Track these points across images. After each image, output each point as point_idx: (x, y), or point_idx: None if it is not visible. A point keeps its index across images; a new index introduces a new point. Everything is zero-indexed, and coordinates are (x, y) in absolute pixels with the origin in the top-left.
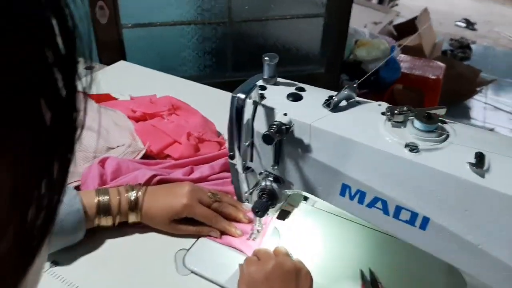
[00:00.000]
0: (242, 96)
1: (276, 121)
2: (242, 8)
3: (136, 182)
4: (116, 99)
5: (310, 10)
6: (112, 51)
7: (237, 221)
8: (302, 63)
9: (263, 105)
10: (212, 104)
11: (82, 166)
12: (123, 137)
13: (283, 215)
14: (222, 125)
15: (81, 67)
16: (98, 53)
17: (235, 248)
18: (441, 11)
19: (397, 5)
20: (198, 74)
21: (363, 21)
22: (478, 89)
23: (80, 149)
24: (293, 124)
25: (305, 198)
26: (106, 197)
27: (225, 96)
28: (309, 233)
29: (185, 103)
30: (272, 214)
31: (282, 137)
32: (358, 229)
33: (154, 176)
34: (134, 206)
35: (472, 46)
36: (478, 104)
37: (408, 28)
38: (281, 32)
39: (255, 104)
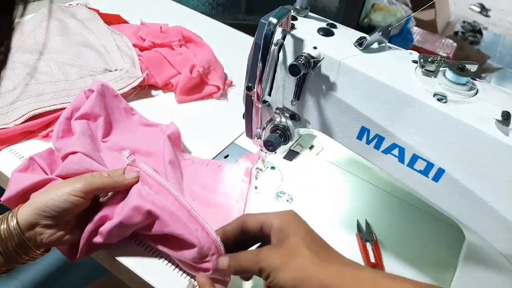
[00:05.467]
0: (274, 21)
1: (304, 53)
2: None
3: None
4: (126, 21)
5: None
6: None
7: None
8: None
9: (292, 35)
10: (223, 42)
11: (75, 82)
12: (123, 62)
13: (291, 155)
14: (230, 66)
15: None
16: None
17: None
18: None
19: None
20: (210, 12)
21: None
22: (483, 75)
23: (76, 64)
24: (322, 58)
25: (311, 147)
26: None
27: (238, 36)
28: (310, 179)
29: (198, 35)
30: (280, 153)
31: (308, 71)
32: (359, 182)
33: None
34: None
35: (484, 31)
36: None
37: (423, 1)
38: None
39: (284, 33)
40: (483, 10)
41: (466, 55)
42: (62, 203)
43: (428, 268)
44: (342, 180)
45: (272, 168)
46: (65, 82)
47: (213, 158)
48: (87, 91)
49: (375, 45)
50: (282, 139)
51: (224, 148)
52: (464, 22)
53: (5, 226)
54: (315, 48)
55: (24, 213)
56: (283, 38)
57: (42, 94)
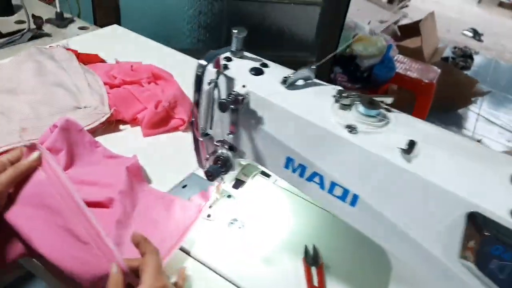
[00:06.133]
0: (204, 63)
1: (234, 91)
2: None
3: None
4: (103, 60)
5: None
6: (108, 15)
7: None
8: (294, 49)
9: (225, 75)
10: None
11: (45, 119)
12: (92, 100)
13: (238, 184)
14: None
15: (75, 27)
16: (94, 16)
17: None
18: (450, 18)
19: (407, 6)
20: (191, 48)
21: (368, 17)
22: (473, 99)
23: (47, 103)
24: (249, 95)
25: (267, 175)
26: None
27: None
28: (264, 206)
29: (167, 72)
30: (229, 182)
31: (237, 107)
32: (312, 208)
33: None
34: None
35: (475, 56)
36: (471, 115)
37: (412, 30)
38: (277, 15)
39: (218, 73)
40: (476, 35)
41: (455, 81)
42: None
43: None
44: (295, 206)
45: (229, 196)
46: (36, 120)
47: (172, 188)
48: (52, 127)
49: (301, 82)
50: (223, 170)
51: (184, 179)
52: (455, 47)
53: None
54: (244, 86)
55: None
56: (217, 77)
57: (11, 132)
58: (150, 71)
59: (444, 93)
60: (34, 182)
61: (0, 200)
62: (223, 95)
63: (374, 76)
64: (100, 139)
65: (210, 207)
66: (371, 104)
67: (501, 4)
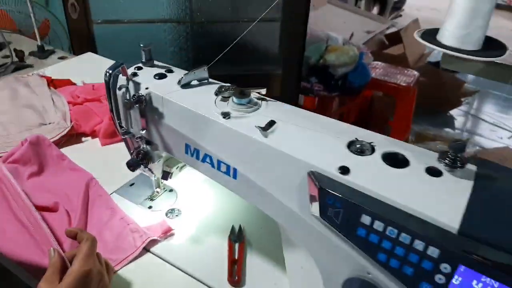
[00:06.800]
0: (109, 71)
1: (138, 93)
2: (203, 10)
3: None
4: (74, 83)
5: (268, 14)
6: (84, 45)
7: None
8: (260, 63)
9: (134, 81)
10: None
11: (14, 135)
12: (56, 117)
13: (165, 175)
14: None
15: (55, 57)
16: (72, 46)
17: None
18: None
19: (401, 16)
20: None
21: (355, 29)
22: (462, 99)
23: (16, 122)
24: (150, 95)
25: None
26: None
27: None
28: (200, 195)
29: None
30: (158, 174)
31: (140, 105)
32: None
33: None
34: None
35: None
36: (462, 114)
37: (397, 39)
38: (240, 34)
39: (127, 80)
40: None
41: (442, 83)
42: None
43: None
44: (225, 192)
45: (170, 190)
46: (6, 137)
47: (121, 186)
48: (24, 141)
49: (196, 82)
50: (144, 161)
51: (132, 178)
52: None
53: None
54: (146, 88)
55: None
56: (127, 84)
57: None
58: None
59: (430, 95)
60: None
61: None
62: None
63: (348, 83)
64: (65, 150)
65: (152, 200)
66: (242, 94)
67: (498, 6)
